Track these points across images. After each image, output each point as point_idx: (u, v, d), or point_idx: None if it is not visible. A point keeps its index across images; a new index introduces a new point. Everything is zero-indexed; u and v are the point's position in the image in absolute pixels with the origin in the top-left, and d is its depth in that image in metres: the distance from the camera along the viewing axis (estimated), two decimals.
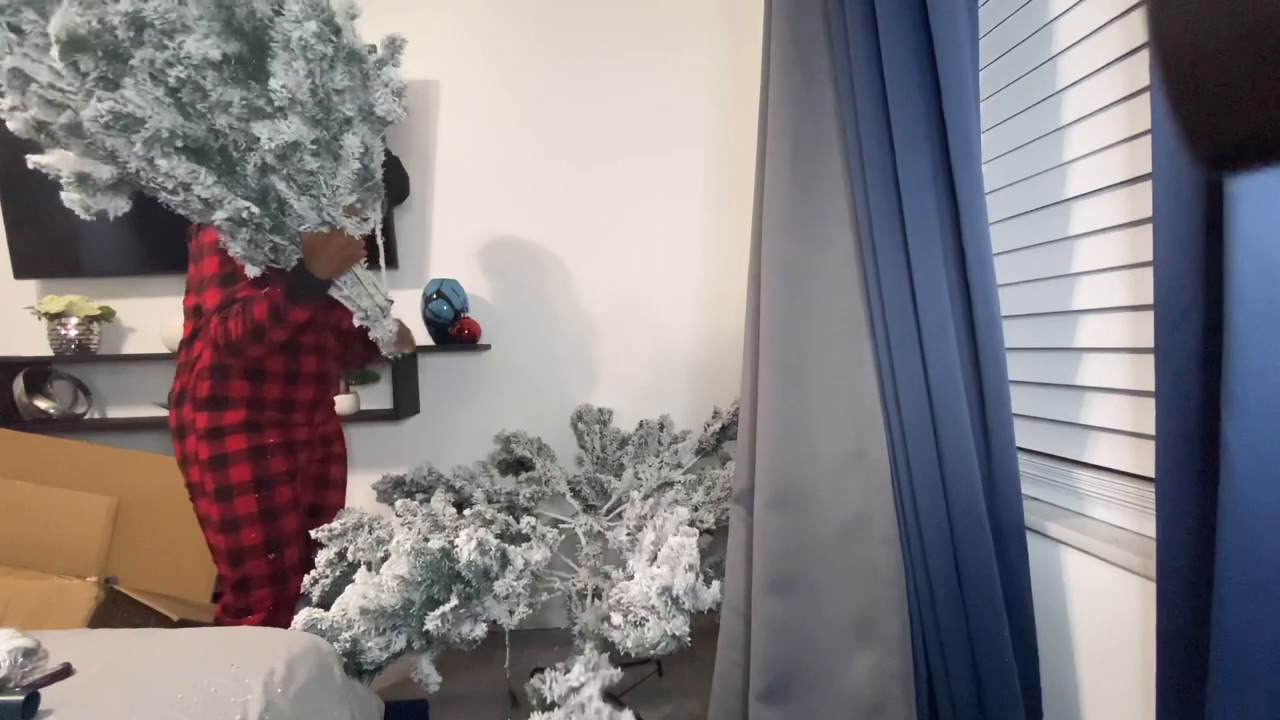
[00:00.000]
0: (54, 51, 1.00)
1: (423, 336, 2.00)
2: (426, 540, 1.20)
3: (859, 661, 1.02)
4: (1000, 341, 0.95)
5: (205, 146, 1.10)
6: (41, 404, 1.96)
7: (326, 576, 1.32)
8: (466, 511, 1.41)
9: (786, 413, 1.09)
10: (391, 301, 1.41)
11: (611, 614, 1.25)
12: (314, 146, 1.14)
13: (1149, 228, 0.74)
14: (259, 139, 1.09)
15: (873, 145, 1.00)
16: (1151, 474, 0.75)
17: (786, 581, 1.07)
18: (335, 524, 1.35)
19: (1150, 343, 0.74)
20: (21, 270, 1.97)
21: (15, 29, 1.03)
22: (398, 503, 1.47)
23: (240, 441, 1.30)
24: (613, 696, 1.58)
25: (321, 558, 1.32)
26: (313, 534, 1.35)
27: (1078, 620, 0.97)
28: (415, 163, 2.06)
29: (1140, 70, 0.84)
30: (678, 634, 1.15)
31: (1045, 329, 1.06)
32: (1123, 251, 0.89)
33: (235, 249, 1.19)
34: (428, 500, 1.66)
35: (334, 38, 1.09)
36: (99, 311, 1.96)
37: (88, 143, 1.06)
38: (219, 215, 1.13)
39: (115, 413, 2.10)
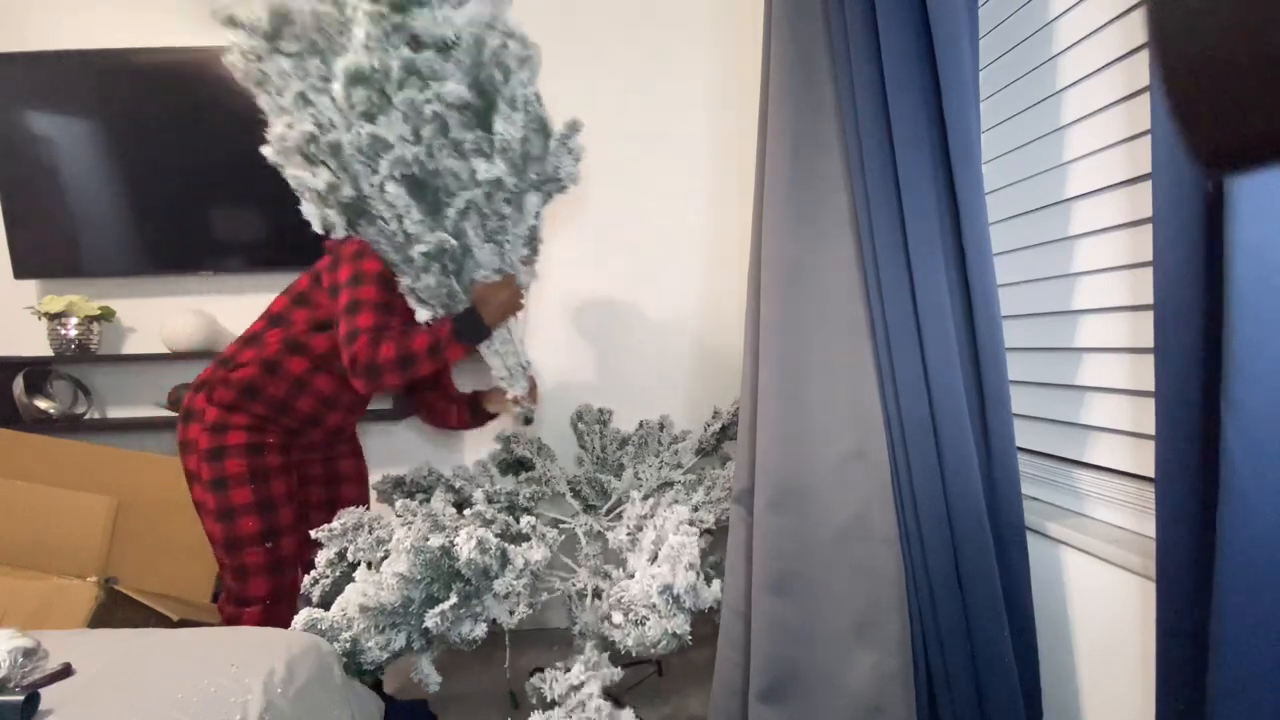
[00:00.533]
0: (336, 84, 1.23)
1: None
2: (427, 539, 1.20)
3: (859, 661, 1.02)
4: (1000, 341, 0.95)
5: (425, 185, 1.29)
6: (41, 404, 1.96)
7: (326, 576, 1.32)
8: (467, 511, 1.41)
9: (786, 413, 1.09)
10: (530, 363, 1.52)
11: (612, 613, 1.25)
12: (510, 193, 1.34)
13: (1149, 228, 0.73)
14: (467, 181, 1.29)
15: (873, 145, 1.00)
16: (1151, 474, 0.75)
17: (786, 582, 1.07)
18: (335, 524, 1.36)
19: (1150, 343, 0.74)
20: (21, 270, 1.97)
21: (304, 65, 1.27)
22: (398, 503, 1.47)
23: (241, 436, 1.36)
24: (613, 696, 1.58)
25: (321, 558, 1.33)
26: (313, 534, 1.35)
27: (1078, 620, 0.97)
28: None
29: (1140, 70, 0.84)
30: (679, 632, 1.16)
31: (1045, 329, 1.06)
32: (1123, 251, 0.89)
33: (423, 283, 1.34)
34: (428, 500, 1.65)
35: (540, 108, 1.38)
36: (99, 311, 1.96)
37: (339, 162, 1.27)
38: (418, 249, 1.30)
39: (115, 413, 2.10)
